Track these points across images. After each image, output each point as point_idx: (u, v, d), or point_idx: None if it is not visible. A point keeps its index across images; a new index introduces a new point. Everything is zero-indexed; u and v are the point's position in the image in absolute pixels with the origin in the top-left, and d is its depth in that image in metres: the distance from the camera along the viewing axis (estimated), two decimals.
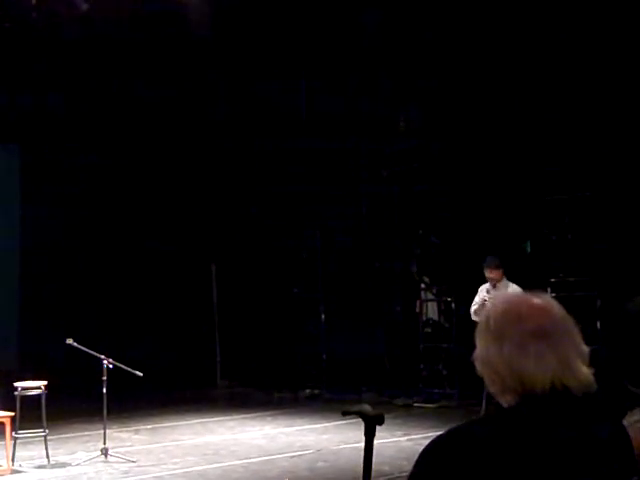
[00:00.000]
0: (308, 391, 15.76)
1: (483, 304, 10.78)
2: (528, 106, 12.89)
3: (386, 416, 2.68)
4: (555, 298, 2.20)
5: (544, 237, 12.99)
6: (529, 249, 13.16)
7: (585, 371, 2.08)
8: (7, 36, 14.96)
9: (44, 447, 10.09)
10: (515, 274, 12.63)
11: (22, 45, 15.43)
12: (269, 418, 13.39)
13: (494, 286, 10.87)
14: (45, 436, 10.08)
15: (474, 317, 11.01)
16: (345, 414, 2.76)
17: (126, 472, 9.70)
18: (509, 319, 2.12)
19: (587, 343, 2.16)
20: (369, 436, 2.60)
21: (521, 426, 2.03)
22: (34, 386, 10.12)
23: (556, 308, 2.15)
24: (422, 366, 13.78)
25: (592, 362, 2.13)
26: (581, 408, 2.07)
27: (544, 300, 2.16)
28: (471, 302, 11.11)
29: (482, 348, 2.15)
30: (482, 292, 11.02)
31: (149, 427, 12.68)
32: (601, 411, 2.11)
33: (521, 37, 12.78)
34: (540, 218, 13.03)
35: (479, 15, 13.26)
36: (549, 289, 12.22)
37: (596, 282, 12.28)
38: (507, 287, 10.88)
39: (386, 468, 9.20)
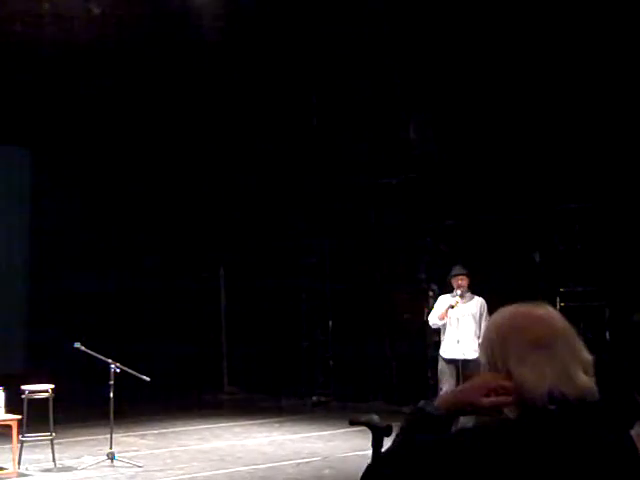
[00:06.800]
0: (315, 398, 15.74)
1: (447, 310, 11.18)
2: (538, 115, 12.86)
3: (393, 423, 2.65)
4: (564, 308, 2.20)
5: (553, 247, 12.96)
6: (538, 258, 13.13)
7: (585, 379, 2.09)
8: (18, 39, 15.02)
9: (50, 451, 10.10)
10: (524, 284, 12.64)
11: (33, 48, 15.47)
12: (276, 424, 13.38)
13: (462, 295, 11.18)
14: (52, 440, 10.09)
15: (438, 323, 11.37)
16: (352, 424, 2.73)
17: (132, 477, 9.69)
18: (509, 330, 2.15)
19: (595, 353, 2.15)
20: (376, 447, 2.57)
21: (518, 436, 2.03)
22: (41, 389, 10.13)
23: (556, 318, 2.17)
24: (430, 374, 13.75)
25: (599, 372, 2.12)
26: (581, 417, 2.06)
27: (545, 310, 2.18)
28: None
29: (485, 358, 2.18)
30: (446, 300, 11.35)
31: (155, 432, 12.68)
32: (605, 420, 2.11)
33: (533, 47, 12.76)
34: (550, 227, 13.00)
35: (492, 25, 13.25)
36: (558, 299, 12.19)
37: (605, 292, 12.25)
38: (474, 298, 11.29)
39: None
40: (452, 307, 11.16)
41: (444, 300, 11.43)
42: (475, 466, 2.00)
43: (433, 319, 11.49)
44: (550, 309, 2.20)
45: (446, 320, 11.28)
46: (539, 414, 2.05)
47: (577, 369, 2.09)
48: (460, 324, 11.18)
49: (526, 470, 1.99)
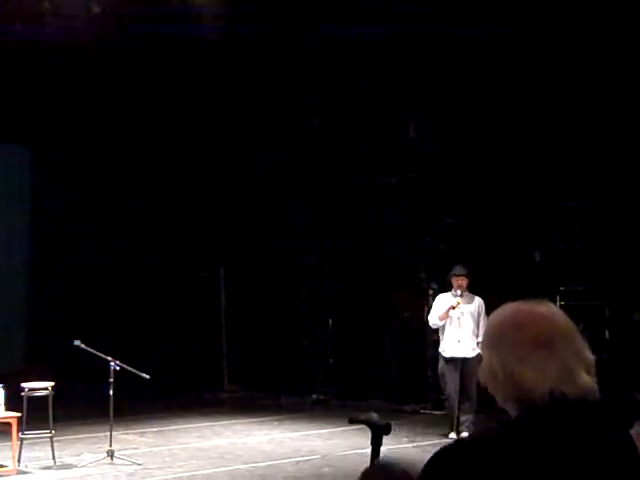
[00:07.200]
0: (315, 396, 15.75)
1: (448, 311, 11.33)
2: (538, 114, 12.87)
3: (393, 422, 2.66)
4: (564, 307, 2.20)
5: (553, 246, 12.97)
6: (538, 258, 13.13)
7: (586, 379, 2.07)
8: (18, 39, 15.02)
9: (50, 448, 10.11)
10: (524, 283, 12.63)
11: (33, 48, 15.47)
12: (276, 423, 13.38)
13: (461, 295, 11.31)
14: (51, 437, 10.11)
15: (438, 323, 11.50)
16: (352, 422, 2.73)
17: (132, 474, 9.71)
18: (510, 327, 2.13)
19: (596, 352, 2.14)
20: (375, 446, 2.57)
21: (521, 439, 2.02)
22: (41, 387, 10.14)
23: (558, 316, 2.14)
24: (429, 373, 13.76)
25: (600, 371, 2.12)
26: (582, 417, 2.05)
27: (546, 308, 2.16)
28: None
29: (485, 357, 2.17)
30: (445, 299, 11.49)
31: (155, 430, 12.69)
32: (605, 419, 2.11)
33: (533, 47, 12.77)
34: (549, 227, 13.01)
35: (492, 25, 13.25)
36: (558, 298, 12.19)
37: (605, 291, 12.25)
38: (473, 298, 11.44)
39: None
40: (453, 308, 11.28)
41: (443, 299, 11.51)
42: (477, 469, 1.99)
43: (433, 319, 11.58)
44: (552, 307, 2.18)
45: (446, 320, 11.38)
46: (539, 414, 2.03)
47: (579, 368, 2.07)
48: (460, 323, 11.30)
49: (526, 471, 1.98)
